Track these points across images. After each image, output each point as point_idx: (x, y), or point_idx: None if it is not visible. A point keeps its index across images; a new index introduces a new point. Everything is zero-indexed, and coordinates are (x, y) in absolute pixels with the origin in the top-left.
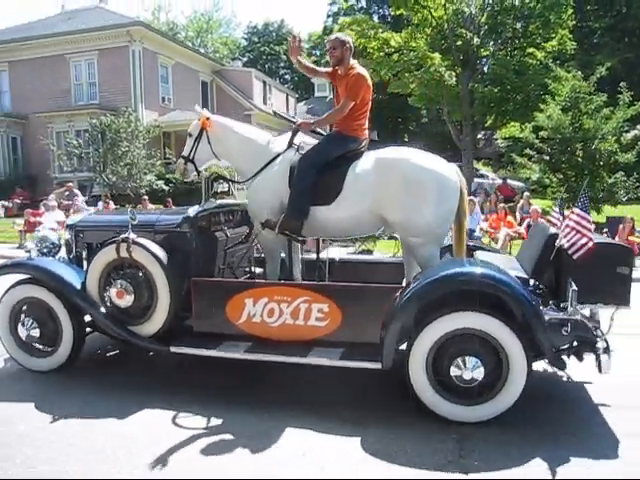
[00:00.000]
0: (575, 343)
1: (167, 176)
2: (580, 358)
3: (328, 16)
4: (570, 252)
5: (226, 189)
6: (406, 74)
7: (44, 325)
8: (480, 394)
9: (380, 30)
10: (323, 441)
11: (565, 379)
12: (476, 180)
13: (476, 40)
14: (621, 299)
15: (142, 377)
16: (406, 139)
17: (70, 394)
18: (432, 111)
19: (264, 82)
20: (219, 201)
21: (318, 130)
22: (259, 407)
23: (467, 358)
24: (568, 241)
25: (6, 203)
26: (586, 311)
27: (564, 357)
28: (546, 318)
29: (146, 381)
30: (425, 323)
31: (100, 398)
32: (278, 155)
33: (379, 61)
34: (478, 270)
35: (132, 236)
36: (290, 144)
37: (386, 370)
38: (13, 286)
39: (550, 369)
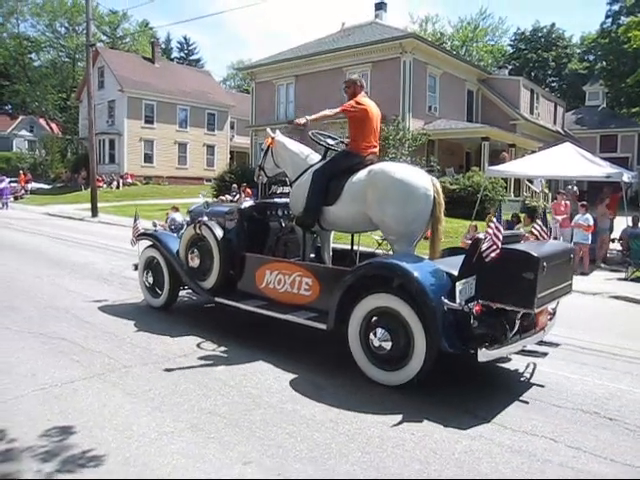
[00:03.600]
0: (485, 336)
1: None
2: (487, 347)
3: (607, 16)
4: (484, 255)
5: (286, 191)
6: None
7: (156, 276)
8: (395, 362)
9: None
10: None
11: (523, 379)
12: None
13: None
14: (525, 302)
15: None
16: None
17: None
18: None
19: (532, 90)
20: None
21: (334, 148)
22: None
23: (380, 330)
24: (486, 246)
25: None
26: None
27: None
28: (445, 307)
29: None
30: (359, 299)
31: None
32: (311, 167)
33: None
34: (391, 262)
35: (204, 219)
36: (322, 159)
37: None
38: (146, 247)
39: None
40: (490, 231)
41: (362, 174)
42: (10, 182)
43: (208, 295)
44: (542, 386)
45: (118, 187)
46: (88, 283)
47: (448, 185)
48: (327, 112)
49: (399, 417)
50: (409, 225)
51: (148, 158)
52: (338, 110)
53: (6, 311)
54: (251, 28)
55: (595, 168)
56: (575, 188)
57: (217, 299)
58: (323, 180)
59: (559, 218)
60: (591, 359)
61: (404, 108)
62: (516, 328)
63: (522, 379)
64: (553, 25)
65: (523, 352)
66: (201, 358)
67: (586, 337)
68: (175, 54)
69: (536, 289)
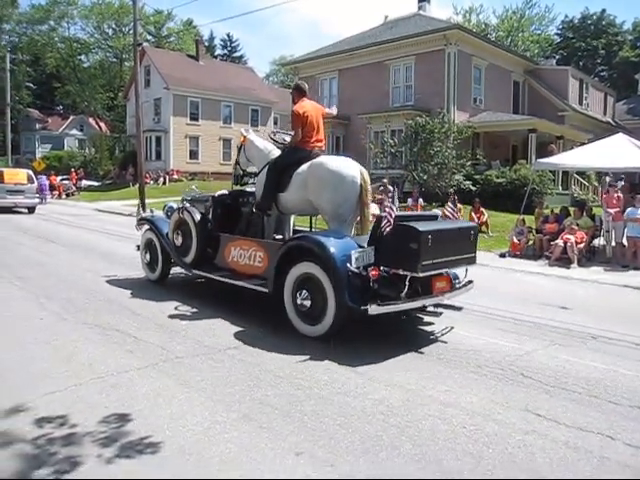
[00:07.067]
0: (382, 296)
1: (475, 177)
2: (378, 304)
3: None
4: (382, 229)
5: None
6: None
7: (152, 255)
8: (315, 318)
9: None
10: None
11: (576, 374)
12: None
13: None
14: (411, 267)
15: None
16: None
17: (177, 296)
18: None
19: (581, 80)
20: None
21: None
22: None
23: (303, 291)
24: (383, 223)
25: None
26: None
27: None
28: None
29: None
30: (291, 266)
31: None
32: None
33: None
34: (312, 236)
35: (186, 205)
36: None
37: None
38: (145, 230)
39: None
40: (387, 210)
41: (305, 166)
42: (62, 180)
43: (189, 268)
44: (597, 382)
45: (164, 183)
46: (137, 276)
47: (494, 178)
48: (293, 138)
49: (449, 411)
50: (339, 207)
51: (193, 154)
52: (294, 135)
53: (63, 303)
54: (293, 24)
55: None
56: None
57: (195, 271)
58: (276, 171)
59: (611, 211)
60: None
61: (449, 100)
62: (406, 290)
63: (575, 374)
64: (603, 11)
65: (421, 311)
66: (251, 350)
67: None
68: (219, 51)
69: (420, 257)
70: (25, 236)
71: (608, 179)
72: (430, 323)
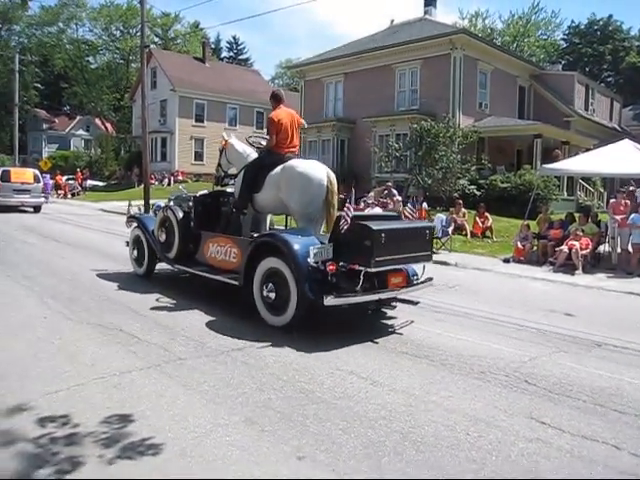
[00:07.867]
0: (339, 288)
1: (480, 181)
2: (334, 296)
3: None
4: (340, 228)
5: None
6: None
7: (139, 250)
8: (279, 308)
9: None
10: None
11: (579, 381)
12: None
13: None
14: (366, 263)
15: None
16: None
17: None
18: None
19: (587, 86)
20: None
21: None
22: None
23: (270, 284)
24: (342, 222)
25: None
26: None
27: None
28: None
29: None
30: (259, 261)
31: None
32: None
33: None
34: (278, 234)
35: (170, 204)
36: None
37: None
38: (134, 228)
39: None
40: (345, 210)
41: (279, 168)
42: (67, 179)
43: (172, 263)
44: (601, 390)
45: (169, 184)
46: (141, 276)
47: (499, 183)
48: (268, 143)
49: (453, 417)
50: (307, 207)
51: (198, 156)
52: (269, 140)
53: (67, 302)
54: (300, 26)
55: None
56: None
57: (176, 266)
58: (252, 173)
59: (618, 217)
60: None
61: (454, 105)
62: (361, 283)
63: (580, 382)
64: (610, 17)
65: (378, 304)
66: (254, 352)
67: None
68: (225, 54)
69: (373, 253)
70: (30, 235)
71: (632, 188)
72: (435, 328)
